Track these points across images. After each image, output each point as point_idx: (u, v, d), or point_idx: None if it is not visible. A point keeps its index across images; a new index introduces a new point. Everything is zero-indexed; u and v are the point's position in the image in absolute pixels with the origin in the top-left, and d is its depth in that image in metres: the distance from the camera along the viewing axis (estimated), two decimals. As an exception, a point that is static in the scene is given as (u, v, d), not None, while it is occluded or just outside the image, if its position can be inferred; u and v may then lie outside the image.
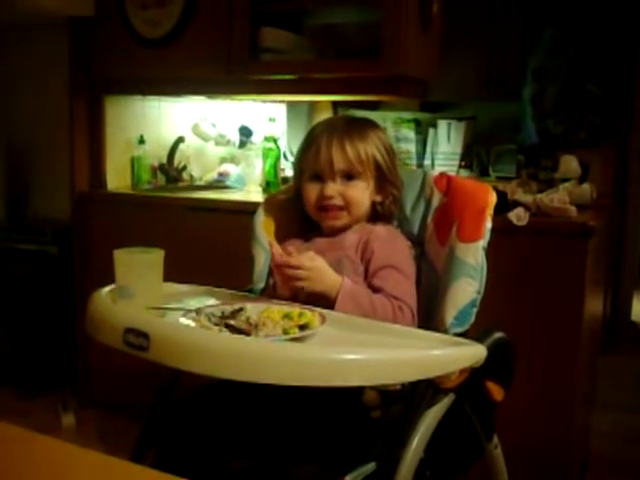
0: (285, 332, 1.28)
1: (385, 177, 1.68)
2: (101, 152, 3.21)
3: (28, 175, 3.75)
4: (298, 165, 1.73)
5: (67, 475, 0.92)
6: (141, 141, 3.26)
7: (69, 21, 3.17)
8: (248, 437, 1.46)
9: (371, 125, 1.72)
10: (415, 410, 1.34)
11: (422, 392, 1.34)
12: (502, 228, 2.08)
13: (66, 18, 3.16)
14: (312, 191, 1.68)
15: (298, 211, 1.75)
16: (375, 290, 1.56)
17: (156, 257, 1.46)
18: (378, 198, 1.70)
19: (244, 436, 1.47)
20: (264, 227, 1.80)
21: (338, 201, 1.65)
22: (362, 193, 1.66)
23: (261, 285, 1.77)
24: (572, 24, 3.57)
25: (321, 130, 1.69)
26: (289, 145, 3.79)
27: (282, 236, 1.77)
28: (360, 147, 1.64)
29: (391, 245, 1.64)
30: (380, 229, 1.68)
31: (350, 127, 1.68)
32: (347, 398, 1.42)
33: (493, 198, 1.59)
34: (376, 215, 1.72)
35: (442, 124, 4.20)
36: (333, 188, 1.64)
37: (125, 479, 0.91)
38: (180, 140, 3.40)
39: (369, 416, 1.47)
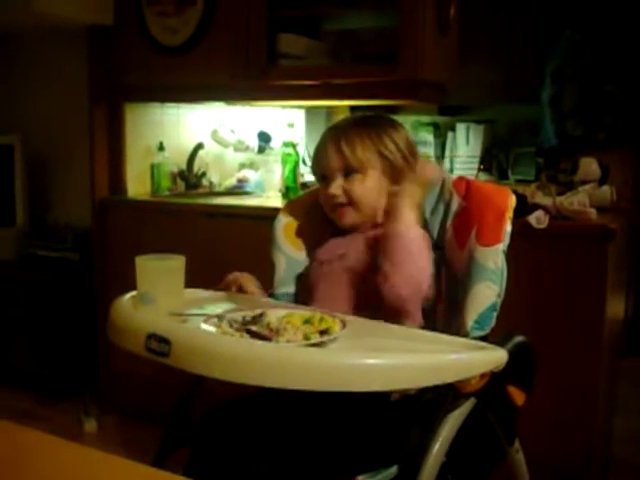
0: (306, 337, 1.28)
1: (397, 168, 1.65)
2: (121, 159, 3.23)
3: (49, 182, 3.79)
4: (312, 169, 1.76)
5: (90, 480, 0.93)
6: (160, 148, 3.28)
7: (88, 29, 3.20)
8: (270, 444, 1.47)
9: (380, 122, 1.71)
10: (436, 414, 1.33)
11: (443, 396, 1.34)
12: (522, 231, 2.07)
13: (86, 26, 3.19)
14: (322, 193, 1.71)
15: (321, 213, 1.75)
16: None
17: (177, 263, 1.47)
18: (395, 190, 1.66)
19: (267, 443, 1.47)
20: (284, 232, 1.81)
21: (342, 199, 1.65)
22: (362, 186, 1.64)
23: (281, 290, 1.78)
24: (590, 26, 3.55)
25: (326, 132, 1.72)
26: (308, 150, 3.79)
27: (302, 240, 1.79)
28: (357, 141, 1.64)
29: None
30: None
31: (352, 125, 1.70)
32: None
33: (512, 201, 1.58)
34: None
35: (461, 127, 4.19)
36: (335, 186, 1.65)
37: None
38: (199, 146, 3.42)
39: (389, 400, 1.47)
